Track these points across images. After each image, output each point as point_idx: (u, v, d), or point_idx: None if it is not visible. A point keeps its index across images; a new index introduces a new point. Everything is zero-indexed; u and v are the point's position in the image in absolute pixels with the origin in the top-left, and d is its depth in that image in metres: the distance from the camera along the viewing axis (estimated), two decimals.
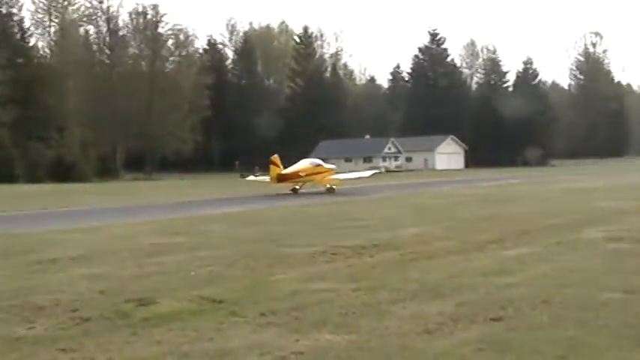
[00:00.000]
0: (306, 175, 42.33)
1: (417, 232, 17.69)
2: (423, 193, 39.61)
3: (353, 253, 13.92)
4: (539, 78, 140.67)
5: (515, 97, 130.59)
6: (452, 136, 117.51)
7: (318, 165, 44.07)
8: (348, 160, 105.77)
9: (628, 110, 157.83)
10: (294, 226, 19.91)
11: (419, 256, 13.36)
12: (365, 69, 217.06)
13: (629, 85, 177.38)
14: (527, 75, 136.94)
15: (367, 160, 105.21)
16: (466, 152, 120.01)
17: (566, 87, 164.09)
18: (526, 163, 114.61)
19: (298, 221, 21.64)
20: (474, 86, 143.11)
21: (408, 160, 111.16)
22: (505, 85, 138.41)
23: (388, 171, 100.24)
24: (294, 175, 42.10)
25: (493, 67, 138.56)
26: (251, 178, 50.82)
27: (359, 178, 48.49)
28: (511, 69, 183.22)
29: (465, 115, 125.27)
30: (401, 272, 11.61)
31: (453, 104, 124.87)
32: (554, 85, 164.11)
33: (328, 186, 41.71)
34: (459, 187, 45.75)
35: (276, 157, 42.30)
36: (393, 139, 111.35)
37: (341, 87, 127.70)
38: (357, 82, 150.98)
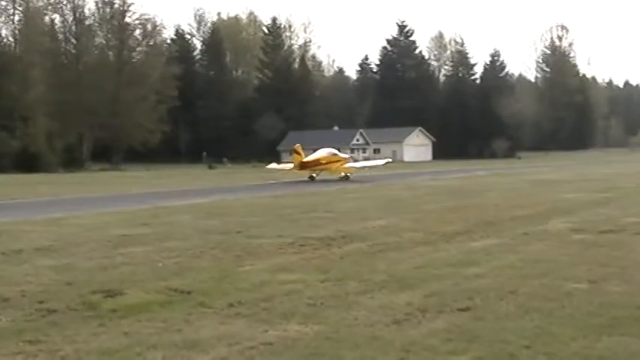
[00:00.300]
0: (326, 163, 45.22)
1: (385, 223, 17.76)
2: (391, 184, 39.74)
3: (321, 245, 13.93)
4: (506, 71, 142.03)
5: (482, 89, 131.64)
6: (420, 128, 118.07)
7: (335, 154, 47.02)
8: (315, 151, 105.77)
9: (593, 103, 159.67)
10: (262, 218, 19.87)
11: (387, 248, 13.43)
12: (333, 60, 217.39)
13: (594, 78, 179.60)
14: (495, 68, 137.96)
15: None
16: (434, 144, 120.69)
17: (532, 80, 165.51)
18: (493, 155, 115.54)
19: (267, 213, 21.60)
20: (442, 78, 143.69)
21: (376, 151, 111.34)
22: (473, 77, 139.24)
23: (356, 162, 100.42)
24: (315, 163, 45.12)
25: (461, 59, 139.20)
26: (273, 165, 53.52)
27: (373, 166, 51.90)
28: (479, 61, 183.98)
29: (433, 107, 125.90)
30: (369, 263, 11.66)
31: (421, 96, 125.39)
32: (521, 77, 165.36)
33: (343, 174, 44.54)
34: (426, 178, 45.97)
35: (298, 147, 45.51)
36: (361, 130, 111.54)
37: (309, 78, 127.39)
38: (326, 73, 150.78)
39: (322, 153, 46.74)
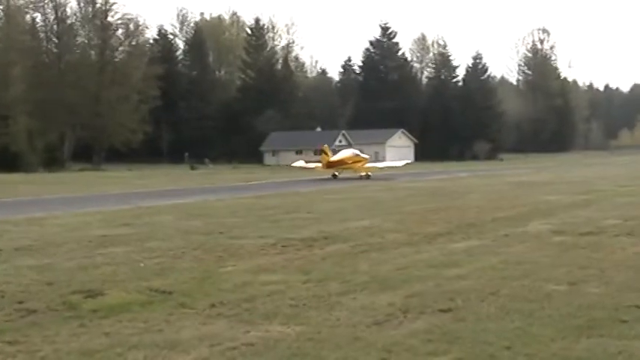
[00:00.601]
0: (351, 163, 49.51)
1: (367, 224, 17.79)
2: (372, 185, 39.82)
3: (303, 246, 13.94)
4: (488, 73, 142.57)
5: (464, 91, 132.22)
6: (402, 130, 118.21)
7: (357, 155, 51.55)
8: (298, 152, 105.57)
9: (573, 106, 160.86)
10: (244, 218, 19.84)
11: (369, 249, 13.45)
12: (316, 62, 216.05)
13: (574, 81, 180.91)
14: (477, 70, 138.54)
15: (318, 152, 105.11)
16: (416, 146, 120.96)
17: (514, 82, 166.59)
18: (475, 157, 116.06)
19: (249, 213, 21.58)
20: (425, 80, 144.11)
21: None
22: (455, 79, 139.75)
23: None
24: (341, 163, 49.57)
25: (443, 61, 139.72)
26: (300, 163, 58.81)
27: (393, 167, 55.57)
28: (461, 64, 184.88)
29: (416, 109, 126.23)
30: (351, 264, 11.68)
31: (404, 98, 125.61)
32: (503, 80, 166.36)
33: (364, 173, 48.04)
34: (408, 179, 46.09)
35: (326, 147, 50.58)
36: (343, 131, 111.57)
37: (292, 79, 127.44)
38: (309, 74, 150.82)
39: (347, 153, 51.79)
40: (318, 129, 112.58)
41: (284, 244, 14.17)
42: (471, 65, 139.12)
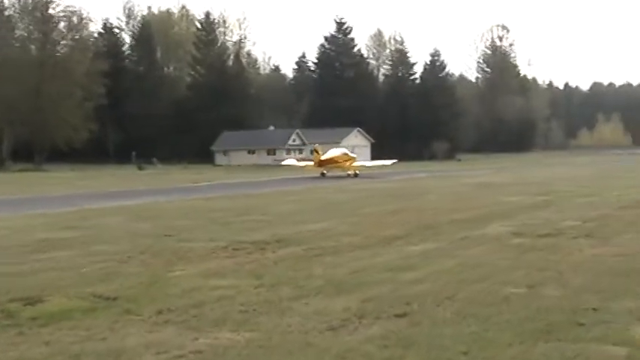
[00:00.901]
0: (340, 162, 53.78)
1: (322, 227, 17.85)
2: (324, 186, 39.95)
3: (255, 249, 13.94)
4: (446, 71, 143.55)
5: (422, 89, 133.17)
6: (358, 129, 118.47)
7: (346, 154, 55.82)
8: (251, 151, 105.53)
9: (533, 105, 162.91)
10: (194, 221, 19.76)
11: (323, 252, 13.50)
12: (269, 58, 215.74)
13: (534, 79, 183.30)
14: (435, 67, 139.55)
15: (271, 152, 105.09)
16: (373, 145, 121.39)
17: (473, 80, 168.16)
18: (433, 157, 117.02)
19: (199, 215, 21.49)
20: (381, 78, 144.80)
21: (314, 152, 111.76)
22: (412, 77, 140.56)
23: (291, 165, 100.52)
24: (331, 161, 53.81)
25: (400, 58, 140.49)
26: (290, 162, 64.96)
27: (381, 165, 58.62)
28: (419, 61, 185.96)
29: (372, 107, 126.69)
30: (305, 268, 11.71)
31: (360, 96, 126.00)
32: (462, 78, 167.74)
33: (352, 172, 52.05)
34: (364, 180, 46.31)
35: (317, 146, 55.47)
36: (297, 130, 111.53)
37: (244, 76, 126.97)
38: (261, 71, 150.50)
39: (337, 152, 55.94)
40: (272, 128, 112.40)
41: (235, 247, 14.15)
42: (428, 62, 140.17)
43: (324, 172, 53.24)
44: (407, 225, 17.89)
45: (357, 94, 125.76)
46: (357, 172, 52.56)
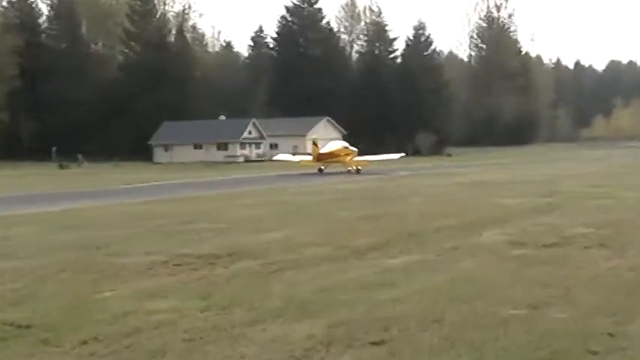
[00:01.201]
0: (341, 156, 58.18)
1: (284, 236, 17.83)
2: (292, 187, 39.97)
3: (203, 264, 13.89)
4: (433, 47, 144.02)
5: (404, 70, 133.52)
6: (327, 118, 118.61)
7: (346, 147, 60.26)
8: (197, 146, 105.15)
9: (537, 88, 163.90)
10: (129, 230, 19.65)
11: (285, 266, 13.49)
12: (219, 33, 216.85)
13: (538, 57, 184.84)
14: (419, 44, 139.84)
15: (222, 146, 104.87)
16: (345, 138, 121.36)
17: (465, 59, 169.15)
18: (417, 152, 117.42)
19: (135, 224, 21.37)
20: (355, 56, 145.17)
21: (273, 147, 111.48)
22: (392, 55, 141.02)
23: (247, 161, 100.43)
24: (331, 155, 58.05)
25: (378, 33, 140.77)
26: (283, 156, 68.92)
27: (387, 160, 62.94)
28: (400, 35, 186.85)
29: (344, 92, 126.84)
30: (262, 286, 11.69)
31: (329, 78, 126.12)
32: (452, 56, 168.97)
33: (353, 167, 56.33)
34: (336, 180, 46.37)
35: (316, 139, 59.71)
36: (254, 120, 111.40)
37: (189, 54, 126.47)
38: (210, 48, 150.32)
39: (337, 145, 60.81)
40: (222, 117, 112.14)
41: (178, 261, 14.08)
42: (411, 38, 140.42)
43: (322, 167, 57.14)
44: (386, 233, 17.93)
45: (325, 76, 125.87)
46: (359, 167, 56.70)
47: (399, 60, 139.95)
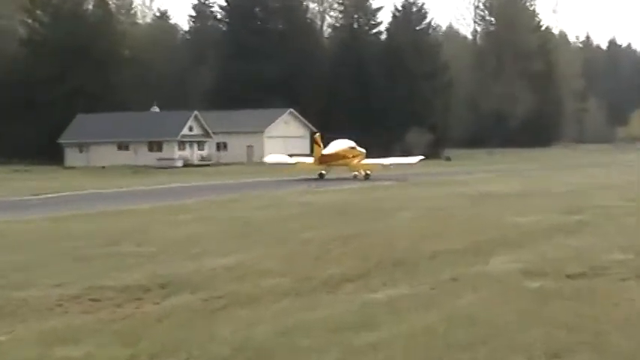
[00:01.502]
0: (348, 157, 61.17)
1: (234, 262, 17.82)
2: (248, 199, 39.96)
3: (127, 298, 13.87)
4: (428, 21, 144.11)
5: (390, 50, 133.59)
6: (291, 110, 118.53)
7: (353, 148, 62.85)
8: (123, 146, 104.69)
9: (560, 74, 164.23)
10: (34, 254, 19.55)
11: (234, 302, 13.50)
12: (151, 0, 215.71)
13: (562, 34, 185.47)
14: (410, 15, 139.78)
15: (155, 146, 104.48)
16: (314, 136, 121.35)
17: (469, 36, 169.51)
18: (408, 153, 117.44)
19: (41, 246, 21.26)
20: (328, 31, 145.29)
21: (222, 147, 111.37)
22: (375, 30, 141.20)
23: (188, 165, 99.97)
24: (335, 157, 60.94)
25: (357, 1, 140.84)
26: (276, 158, 73.01)
27: (405, 164, 66.14)
28: (385, 5, 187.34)
29: (314, 78, 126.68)
30: (204, 328, 11.67)
31: (294, 59, 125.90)
32: (452, 32, 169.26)
33: (361, 172, 59.47)
34: (302, 190, 46.37)
35: (318, 137, 62.53)
36: (196, 113, 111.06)
37: (112, 27, 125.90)
38: (140, 20, 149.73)
39: (342, 145, 62.95)
40: (156, 109, 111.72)
41: (95, 296, 14.05)
42: (400, 8, 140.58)
43: (323, 172, 59.91)
44: (366, 259, 17.94)
45: (289, 56, 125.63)
46: (369, 172, 59.19)
47: (384, 36, 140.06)
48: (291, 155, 72.99)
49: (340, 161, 61.06)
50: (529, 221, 26.25)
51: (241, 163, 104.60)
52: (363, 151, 63.90)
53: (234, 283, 15.19)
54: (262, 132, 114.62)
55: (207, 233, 24.16)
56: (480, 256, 18.51)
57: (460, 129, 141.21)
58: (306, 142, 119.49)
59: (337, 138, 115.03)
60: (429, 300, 13.67)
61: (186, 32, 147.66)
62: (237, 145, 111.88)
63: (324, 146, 62.51)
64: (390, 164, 64.86)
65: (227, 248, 20.33)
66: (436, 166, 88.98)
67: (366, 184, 50.09)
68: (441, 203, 35.20)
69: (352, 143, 64.46)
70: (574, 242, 20.79)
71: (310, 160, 64.06)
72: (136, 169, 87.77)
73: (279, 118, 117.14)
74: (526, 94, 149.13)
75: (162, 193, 45.84)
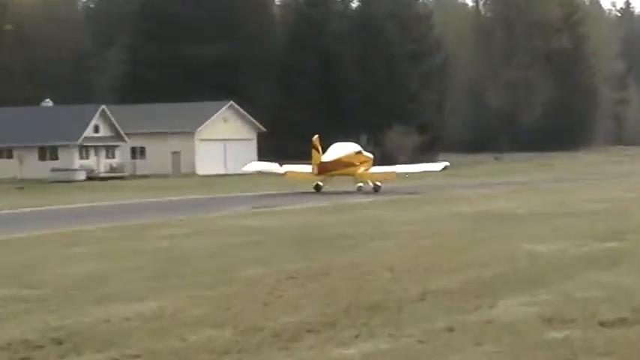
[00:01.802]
0: (359, 164, 62.89)
1: (154, 308, 17.84)
2: (174, 224, 39.97)
3: (10, 358, 13.81)
4: None
5: (364, 23, 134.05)
6: (232, 104, 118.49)
7: (359, 152, 64.55)
8: (4, 153, 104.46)
9: (591, 54, 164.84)
10: None
11: None
12: None
13: (594, 1, 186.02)
14: None
15: (48, 153, 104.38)
16: (263, 138, 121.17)
17: (469, 2, 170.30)
18: (391, 159, 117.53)
19: None
20: (277, 1, 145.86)
21: (138, 153, 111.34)
22: None
23: (90, 178, 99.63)
24: (337, 164, 62.42)
25: None
26: (258, 166, 78.28)
27: (423, 171, 69.73)
28: None
29: (262, 61, 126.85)
30: None
31: (235, 37, 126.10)
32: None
33: (367, 183, 61.24)
34: (246, 210, 46.43)
35: (316, 139, 63.07)
36: (104, 107, 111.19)
37: None
38: None
39: (346, 150, 64.77)
40: (49, 103, 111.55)
41: None
42: None
43: (320, 183, 61.51)
44: (332, 303, 17.98)
45: (227, 33, 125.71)
46: (378, 182, 61.23)
47: (354, 3, 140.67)
48: (281, 164, 73.08)
49: (344, 170, 62.59)
50: (550, 250, 26.39)
51: (165, 176, 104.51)
52: (371, 156, 65.82)
53: (154, 338, 15.16)
54: (193, 133, 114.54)
55: (117, 270, 24.11)
56: (484, 297, 18.57)
57: (458, 128, 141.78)
58: (253, 147, 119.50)
59: (294, 138, 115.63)
60: (417, 357, 13.70)
61: (87, 0, 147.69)
62: (159, 151, 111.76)
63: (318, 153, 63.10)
64: (406, 173, 67.04)
65: (144, 290, 20.28)
66: (426, 178, 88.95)
67: (345, 199, 50.06)
68: (434, 227, 35.35)
69: (357, 147, 66.54)
70: (609, 278, 20.92)
71: (305, 168, 65.21)
72: (23, 184, 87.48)
73: (216, 115, 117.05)
74: (546, 81, 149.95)
75: (57, 217, 45.65)
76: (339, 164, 62.50)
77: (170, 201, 54.46)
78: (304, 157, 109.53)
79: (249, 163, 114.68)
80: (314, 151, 62.91)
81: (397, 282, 20.76)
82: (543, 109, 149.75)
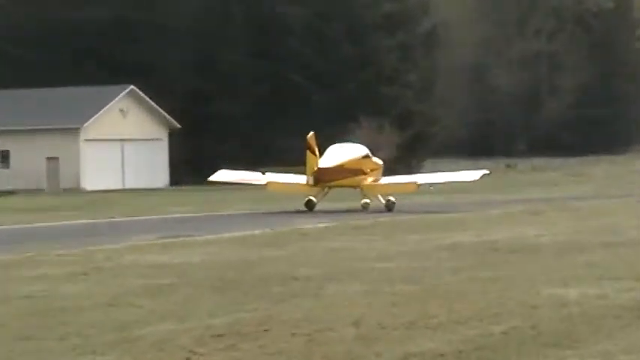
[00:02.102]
0: (370, 172, 64.86)
1: None
2: (42, 262, 39.92)
3: None
4: None
5: None
6: (132, 88, 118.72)
7: (367, 156, 65.77)
8: None
9: (629, 32, 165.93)
10: None
11: None
12: None
13: None
14: None
15: None
16: (177, 138, 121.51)
17: None
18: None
19: None
20: None
21: (3, 158, 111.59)
22: None
23: None
24: (339, 172, 63.50)
25: None
26: (230, 175, 76.27)
27: (456, 181, 72.25)
28: None
29: (172, 28, 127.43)
30: None
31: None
32: None
33: (382, 198, 62.88)
34: (152, 241, 46.54)
35: (311, 137, 63.59)
36: None
37: None
38: None
39: (350, 154, 65.97)
40: None
41: None
42: None
43: (313, 198, 62.55)
44: None
45: None
46: (391, 199, 62.74)
47: None
48: (263, 172, 73.85)
49: (348, 180, 63.18)
50: (583, 296, 26.47)
51: (37, 191, 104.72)
52: (380, 163, 66.41)
53: None
54: (78, 128, 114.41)
55: None
56: None
57: (454, 122, 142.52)
58: (164, 151, 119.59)
59: (221, 138, 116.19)
60: None
61: None
62: (28, 157, 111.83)
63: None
64: (431, 184, 69.06)
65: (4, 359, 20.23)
66: (406, 196, 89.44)
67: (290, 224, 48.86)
68: (419, 264, 35.42)
69: (365, 149, 66.84)
70: None
71: (294, 178, 66.34)
72: None
73: (110, 105, 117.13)
74: (576, 56, 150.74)
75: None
76: (341, 172, 62.78)
77: (47, 227, 54.35)
78: (243, 164, 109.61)
79: (157, 171, 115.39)
80: (309, 154, 62.42)
81: (366, 343, 20.73)
82: (573, 95, 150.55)
